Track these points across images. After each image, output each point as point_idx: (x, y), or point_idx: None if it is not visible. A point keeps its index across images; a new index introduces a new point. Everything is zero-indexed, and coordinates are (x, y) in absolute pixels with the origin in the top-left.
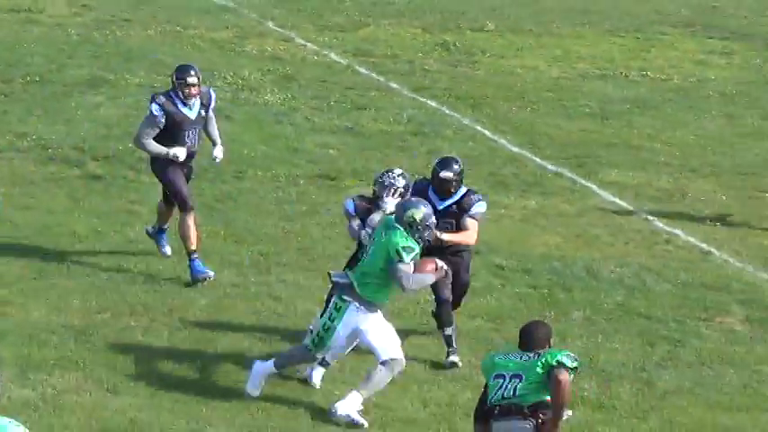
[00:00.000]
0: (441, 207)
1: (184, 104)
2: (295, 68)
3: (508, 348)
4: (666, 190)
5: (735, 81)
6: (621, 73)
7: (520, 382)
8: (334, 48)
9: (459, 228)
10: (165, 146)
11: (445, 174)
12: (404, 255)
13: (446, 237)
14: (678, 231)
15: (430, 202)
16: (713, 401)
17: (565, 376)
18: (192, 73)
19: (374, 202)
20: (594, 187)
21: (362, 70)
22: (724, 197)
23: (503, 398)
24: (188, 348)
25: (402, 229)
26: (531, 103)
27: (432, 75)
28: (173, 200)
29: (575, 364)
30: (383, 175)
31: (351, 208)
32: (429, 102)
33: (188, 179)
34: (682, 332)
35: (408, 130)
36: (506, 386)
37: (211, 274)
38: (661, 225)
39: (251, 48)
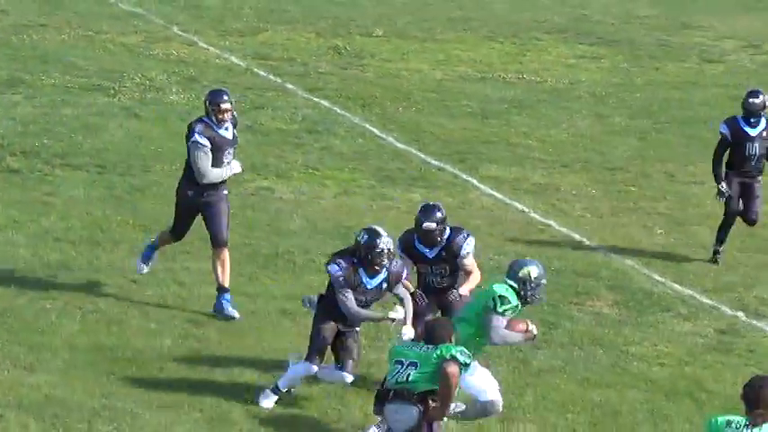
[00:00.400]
0: (432, 255)
1: (219, 127)
2: (198, 70)
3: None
4: (541, 184)
5: (604, 83)
6: (500, 75)
7: (414, 369)
8: (234, 51)
9: (453, 270)
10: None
11: (428, 225)
12: (498, 303)
13: (466, 291)
14: (552, 222)
15: (418, 251)
16: (583, 379)
17: (454, 369)
18: (225, 98)
19: (362, 264)
20: (475, 181)
21: (261, 72)
22: (594, 191)
23: (397, 382)
24: (99, 329)
25: (510, 283)
26: (417, 103)
27: (324, 77)
28: (173, 223)
29: (468, 361)
30: (373, 241)
31: (335, 271)
32: (322, 102)
33: (222, 200)
34: (555, 315)
35: (303, 128)
36: (402, 372)
37: (145, 270)
38: (536, 216)
39: (158, 51)
